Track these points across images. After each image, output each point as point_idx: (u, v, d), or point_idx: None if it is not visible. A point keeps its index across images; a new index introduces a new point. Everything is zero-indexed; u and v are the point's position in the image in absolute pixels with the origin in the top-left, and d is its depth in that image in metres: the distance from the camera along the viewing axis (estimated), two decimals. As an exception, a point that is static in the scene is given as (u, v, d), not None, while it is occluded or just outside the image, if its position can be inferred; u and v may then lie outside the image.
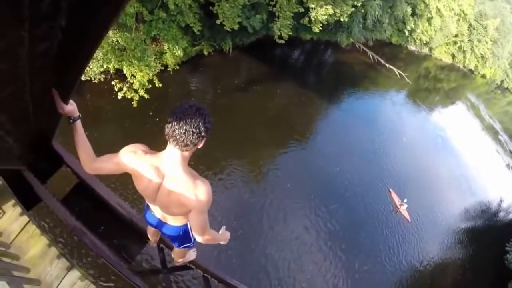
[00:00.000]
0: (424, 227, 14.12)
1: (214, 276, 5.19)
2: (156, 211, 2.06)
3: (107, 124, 10.86)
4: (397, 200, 14.05)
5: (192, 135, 1.52)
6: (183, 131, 1.51)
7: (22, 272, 3.12)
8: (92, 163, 1.78)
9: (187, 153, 1.64)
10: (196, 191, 1.67)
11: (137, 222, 4.54)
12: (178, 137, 1.53)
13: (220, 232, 2.27)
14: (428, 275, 12.32)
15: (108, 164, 1.77)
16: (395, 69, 24.01)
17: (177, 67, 12.67)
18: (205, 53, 15.01)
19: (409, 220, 13.81)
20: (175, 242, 2.35)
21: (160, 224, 2.14)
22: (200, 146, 1.62)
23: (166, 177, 1.70)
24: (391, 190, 14.44)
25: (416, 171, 16.43)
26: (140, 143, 1.86)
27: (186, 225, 2.10)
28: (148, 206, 2.15)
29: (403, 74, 23.96)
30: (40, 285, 3.22)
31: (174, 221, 2.07)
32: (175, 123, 1.52)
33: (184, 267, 5.48)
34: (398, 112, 21.04)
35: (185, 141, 1.54)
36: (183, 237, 2.18)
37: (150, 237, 3.56)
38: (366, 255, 11.49)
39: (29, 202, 4.73)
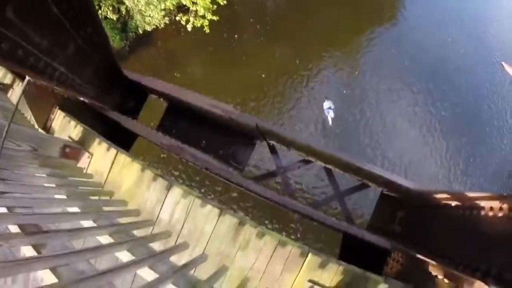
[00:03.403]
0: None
1: (337, 162, 4.10)
2: None
3: (192, 59, 10.27)
4: None
5: None
6: None
7: (117, 206, 2.62)
8: None
9: None
10: None
11: (237, 119, 3.71)
12: None
13: None
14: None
15: None
16: None
17: (239, -19, 10.73)
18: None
19: None
20: None
21: None
22: None
23: None
24: (503, 63, 10.73)
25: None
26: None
27: None
28: None
29: None
30: (141, 214, 2.69)
31: None
32: None
33: (303, 161, 4.57)
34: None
35: None
36: None
37: None
38: (476, 139, 9.40)
39: (126, 141, 4.36)
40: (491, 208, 1.87)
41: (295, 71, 9.62)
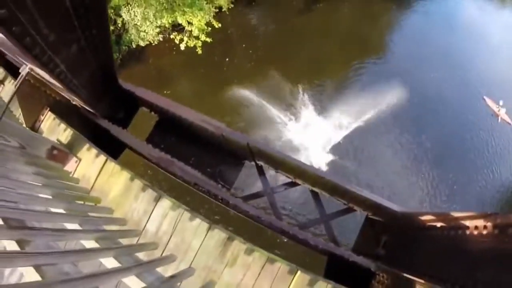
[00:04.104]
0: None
1: (325, 185, 4.13)
2: None
3: (183, 79, 10.39)
4: (494, 106, 11.56)
5: None
6: None
7: (102, 213, 2.53)
8: None
9: None
10: None
11: (228, 137, 3.73)
12: None
13: None
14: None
15: None
16: None
17: (231, 5, 11.19)
18: (255, -16, 13.00)
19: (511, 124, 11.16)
20: None
21: None
22: None
23: None
24: (485, 97, 11.74)
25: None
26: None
27: None
28: None
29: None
30: (127, 223, 2.61)
31: None
32: None
33: (291, 183, 4.59)
34: (483, 10, 16.00)
35: None
36: None
37: None
38: (459, 168, 9.96)
39: (114, 150, 4.27)
40: (476, 227, 1.96)
41: (284, 96, 9.90)
